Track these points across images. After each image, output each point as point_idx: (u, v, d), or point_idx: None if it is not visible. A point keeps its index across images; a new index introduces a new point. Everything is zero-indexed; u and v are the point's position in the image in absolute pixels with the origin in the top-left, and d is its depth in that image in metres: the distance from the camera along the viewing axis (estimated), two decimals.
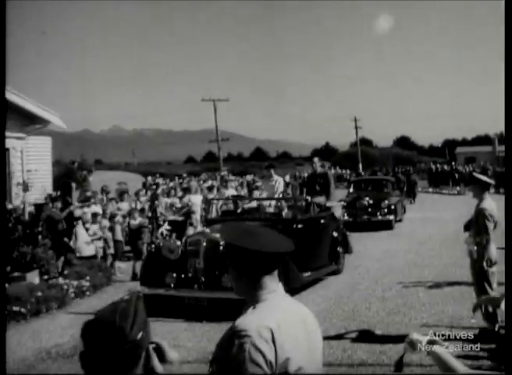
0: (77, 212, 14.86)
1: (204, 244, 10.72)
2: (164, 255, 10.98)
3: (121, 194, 17.89)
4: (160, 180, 26.29)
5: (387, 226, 21.86)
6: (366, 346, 8.23)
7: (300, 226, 12.21)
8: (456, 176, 44.32)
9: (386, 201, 22.51)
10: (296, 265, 11.10)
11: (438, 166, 50.49)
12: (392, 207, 22.39)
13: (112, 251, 14.49)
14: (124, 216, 15.69)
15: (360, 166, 62.97)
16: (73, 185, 16.85)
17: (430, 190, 44.38)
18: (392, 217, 22.17)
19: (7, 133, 14.05)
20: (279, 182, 15.11)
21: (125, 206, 16.53)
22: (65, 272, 12.88)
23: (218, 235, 10.33)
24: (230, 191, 18.70)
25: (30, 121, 14.80)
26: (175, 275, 10.65)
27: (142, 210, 15.94)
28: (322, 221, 13.32)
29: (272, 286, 2.54)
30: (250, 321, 2.41)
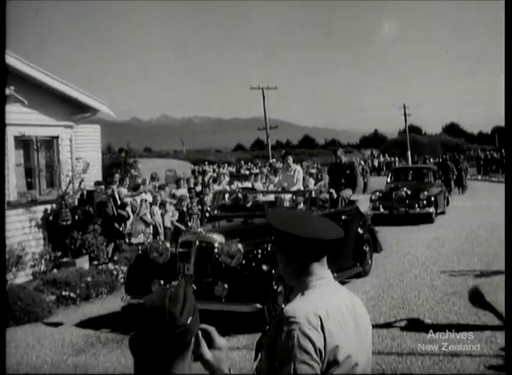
0: (127, 200, 15.03)
1: (196, 246, 9.40)
2: (152, 258, 9.73)
3: (177, 181, 18.11)
4: (207, 168, 26.39)
5: (427, 219, 20.25)
6: (415, 335, 8.16)
7: None
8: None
9: (426, 192, 20.83)
10: None
11: (487, 153, 49.59)
12: (433, 198, 20.78)
13: (161, 237, 14.61)
14: (175, 203, 15.82)
15: (409, 153, 62.15)
16: (117, 174, 17.03)
17: (479, 177, 43.62)
18: (432, 210, 20.53)
19: (56, 122, 14.31)
20: (297, 171, 13.90)
21: (182, 192, 16.71)
22: (115, 258, 13.08)
23: (214, 235, 9.56)
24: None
25: (78, 110, 14.95)
26: (162, 282, 9.30)
27: (191, 198, 16.09)
28: (344, 217, 11.91)
29: (321, 273, 2.53)
30: (299, 308, 2.40)
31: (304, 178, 16.47)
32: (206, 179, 19.81)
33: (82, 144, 15.74)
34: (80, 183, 14.19)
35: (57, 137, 14.41)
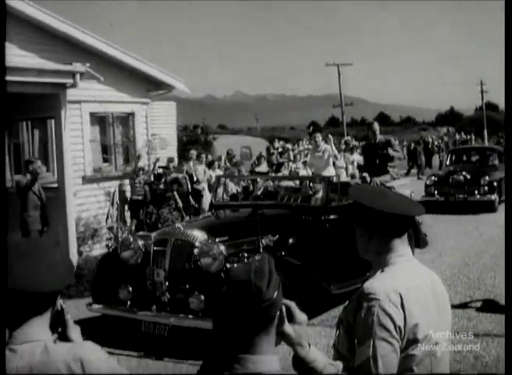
0: (203, 176, 15.10)
1: (172, 245, 7.58)
2: (122, 259, 7.84)
3: (259, 158, 18.08)
4: (279, 144, 26.19)
5: (488, 207, 17.66)
6: (491, 316, 8.02)
7: (333, 216, 8.88)
8: None
9: (487, 177, 18.13)
10: (325, 274, 8.23)
11: None
12: (495, 184, 17.91)
13: None
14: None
15: (486, 132, 60.47)
16: (193, 151, 17.10)
17: None
18: (494, 197, 17.83)
19: (131, 99, 14.48)
20: (328, 152, 12.02)
21: (262, 169, 16.71)
22: None
23: (194, 232, 7.69)
24: (356, 157, 18.27)
25: (154, 86, 15.11)
26: (131, 289, 7.55)
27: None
28: None
29: (402, 250, 2.50)
30: (379, 284, 2.37)
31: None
32: (286, 156, 19.64)
33: (157, 120, 15.92)
34: (156, 160, 14.36)
35: (133, 114, 14.61)
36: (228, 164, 17.48)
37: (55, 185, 12.04)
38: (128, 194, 13.86)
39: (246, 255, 7.29)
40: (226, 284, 2.01)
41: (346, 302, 2.46)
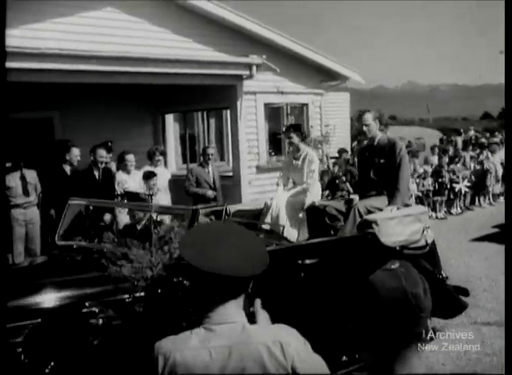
0: None
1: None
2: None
3: (433, 148, 17.48)
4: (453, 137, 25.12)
5: None
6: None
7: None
8: None
9: None
10: None
11: None
12: None
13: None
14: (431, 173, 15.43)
15: None
16: (367, 141, 16.85)
17: None
18: None
19: (306, 90, 14.55)
20: (309, 160, 7.48)
21: (434, 161, 16.28)
22: None
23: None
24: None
25: (328, 77, 15.09)
26: None
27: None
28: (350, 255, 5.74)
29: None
30: None
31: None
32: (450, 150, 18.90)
33: (331, 111, 15.91)
34: (326, 156, 14.34)
35: (306, 105, 14.68)
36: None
37: (230, 174, 12.36)
38: None
39: None
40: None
41: None
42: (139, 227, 6.45)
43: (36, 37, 9.59)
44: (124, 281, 5.03)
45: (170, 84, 11.58)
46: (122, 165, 9.75)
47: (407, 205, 6.61)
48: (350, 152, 15.07)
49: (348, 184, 13.68)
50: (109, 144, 10.37)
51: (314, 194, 7.31)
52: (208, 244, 2.19)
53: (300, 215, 7.02)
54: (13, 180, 9.10)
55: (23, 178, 9.20)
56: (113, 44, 10.41)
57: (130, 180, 9.45)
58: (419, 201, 14.65)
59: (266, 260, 2.23)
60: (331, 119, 15.57)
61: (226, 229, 2.35)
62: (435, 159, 16.27)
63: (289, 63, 13.83)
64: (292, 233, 6.98)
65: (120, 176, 9.56)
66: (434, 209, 15.15)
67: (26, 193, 9.17)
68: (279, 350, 2.08)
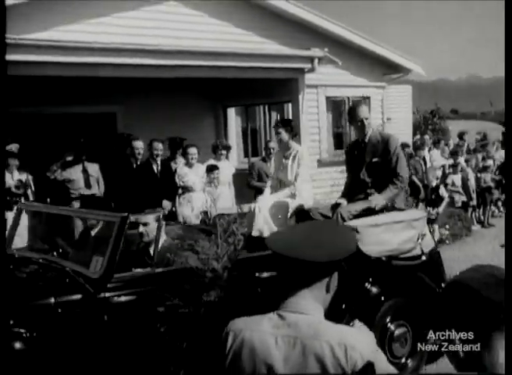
0: (440, 162, 14.58)
1: None
2: None
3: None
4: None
5: None
6: None
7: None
8: None
9: None
10: None
11: None
12: None
13: (474, 202, 14.13)
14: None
15: None
16: (427, 136, 16.53)
17: None
18: None
19: (368, 83, 14.39)
20: (299, 158, 6.71)
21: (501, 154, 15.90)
22: None
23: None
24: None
25: (390, 70, 14.90)
26: None
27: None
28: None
29: None
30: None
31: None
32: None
33: (393, 104, 15.69)
34: None
35: (368, 98, 14.51)
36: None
37: None
38: None
39: None
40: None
41: None
42: (93, 233, 6.36)
43: (100, 31, 9.72)
44: (190, 272, 5.17)
45: (232, 78, 11.59)
46: (184, 158, 9.80)
47: (400, 210, 5.97)
48: (411, 147, 14.84)
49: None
50: (178, 140, 10.46)
51: (304, 197, 6.61)
52: (288, 232, 2.28)
53: (288, 219, 6.43)
54: (75, 173, 9.25)
55: (84, 171, 9.34)
56: (175, 39, 10.47)
57: (191, 174, 9.46)
58: (480, 197, 14.33)
59: (348, 248, 2.19)
60: (393, 113, 15.35)
61: (312, 223, 2.39)
62: (497, 154, 15.86)
63: (351, 56, 13.67)
64: None
65: (181, 169, 9.60)
66: (496, 205, 14.84)
67: (88, 186, 9.31)
68: (342, 352, 2.04)
